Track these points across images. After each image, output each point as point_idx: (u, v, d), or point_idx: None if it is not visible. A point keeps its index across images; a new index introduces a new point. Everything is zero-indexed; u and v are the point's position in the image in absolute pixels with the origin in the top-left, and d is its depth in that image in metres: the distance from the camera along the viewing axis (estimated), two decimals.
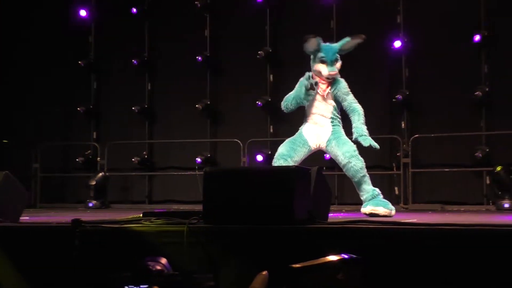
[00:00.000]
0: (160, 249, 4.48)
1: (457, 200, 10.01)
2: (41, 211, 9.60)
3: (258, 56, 11.01)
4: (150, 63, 11.94)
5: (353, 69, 10.68)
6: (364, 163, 6.58)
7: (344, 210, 9.50)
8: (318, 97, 6.70)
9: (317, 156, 10.39)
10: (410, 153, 10.14)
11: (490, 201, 9.81)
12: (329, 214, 5.44)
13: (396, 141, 10.31)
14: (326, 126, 6.70)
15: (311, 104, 6.74)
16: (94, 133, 12.22)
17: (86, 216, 6.34)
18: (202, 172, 4.96)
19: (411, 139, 10.15)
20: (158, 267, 3.83)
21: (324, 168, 9.94)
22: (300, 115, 10.96)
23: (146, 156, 11.76)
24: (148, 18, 11.97)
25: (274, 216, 4.56)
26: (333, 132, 6.67)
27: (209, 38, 11.54)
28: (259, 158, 10.74)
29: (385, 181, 10.59)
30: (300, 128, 6.85)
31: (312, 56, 6.72)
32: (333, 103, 6.71)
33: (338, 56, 6.73)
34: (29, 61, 12.24)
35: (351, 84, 10.68)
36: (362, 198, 6.64)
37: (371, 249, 4.12)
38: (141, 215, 5.35)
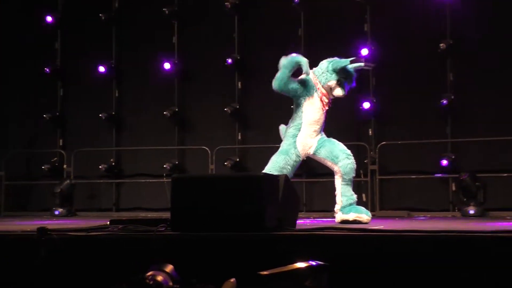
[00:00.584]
0: (127, 257, 4.44)
1: (423, 207, 10.10)
2: (5, 219, 9.46)
3: (226, 63, 11.01)
4: (117, 69, 11.86)
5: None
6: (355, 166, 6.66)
7: (312, 217, 9.53)
8: (321, 109, 6.63)
9: None
10: (377, 160, 10.21)
11: (456, 208, 9.92)
12: (298, 221, 5.45)
13: (363, 148, 10.38)
14: (316, 138, 6.67)
15: (311, 114, 6.61)
16: (61, 140, 12.09)
17: (52, 224, 6.27)
18: (170, 180, 4.94)
19: (378, 146, 10.23)
20: (159, 278, 3.61)
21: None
22: (267, 123, 11.00)
23: (113, 164, 11.67)
24: (116, 24, 11.89)
25: (243, 223, 4.56)
26: (319, 139, 6.66)
27: (177, 45, 11.51)
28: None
29: (353, 188, 10.62)
30: (289, 135, 6.70)
31: (332, 69, 6.60)
32: (325, 118, 6.71)
33: None
34: None
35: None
36: (341, 201, 6.60)
37: (339, 256, 4.13)
38: (108, 223, 5.32)
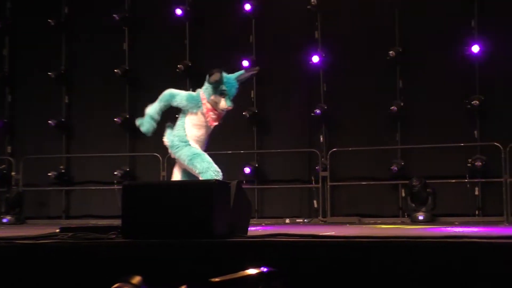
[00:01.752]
0: (77, 266, 4.38)
1: (374, 213, 10.21)
2: None
3: (177, 70, 10.98)
4: (67, 75, 11.71)
5: (272, 84, 10.86)
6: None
7: (264, 223, 9.55)
8: (205, 124, 6.72)
9: (235, 169, 10.47)
10: (328, 166, 10.28)
11: (406, 214, 10.05)
12: (249, 228, 5.46)
13: (314, 155, 10.45)
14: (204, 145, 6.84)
15: (196, 130, 6.74)
16: (9, 147, 11.88)
17: (0, 232, 6.15)
18: (121, 187, 4.90)
19: (329, 153, 10.30)
20: None
21: (244, 181, 10.02)
22: (222, 131, 11.00)
23: (63, 171, 11.51)
24: (65, 30, 11.74)
25: (193, 230, 4.54)
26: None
27: (128, 51, 11.43)
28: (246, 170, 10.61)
29: (304, 195, 10.71)
30: (181, 145, 6.77)
31: (211, 86, 6.66)
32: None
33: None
34: None
35: (270, 98, 10.87)
36: None
37: (291, 262, 4.15)
38: (57, 230, 5.24)
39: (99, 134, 11.44)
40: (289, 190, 10.78)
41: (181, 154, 6.71)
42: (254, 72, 7.10)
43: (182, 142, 6.71)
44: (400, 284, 4.02)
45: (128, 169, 11.18)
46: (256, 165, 10.76)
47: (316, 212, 10.40)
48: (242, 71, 6.91)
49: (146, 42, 11.45)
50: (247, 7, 10.82)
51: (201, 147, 6.75)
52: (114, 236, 4.67)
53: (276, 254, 4.24)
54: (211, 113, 6.65)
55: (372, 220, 9.89)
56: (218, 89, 6.62)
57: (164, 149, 10.76)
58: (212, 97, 6.63)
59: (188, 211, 4.59)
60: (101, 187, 11.18)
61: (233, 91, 6.72)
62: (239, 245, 4.44)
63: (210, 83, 6.61)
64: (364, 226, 8.58)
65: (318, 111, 10.44)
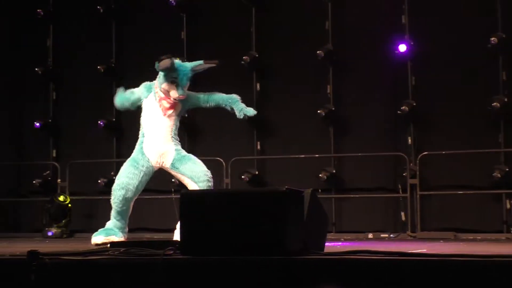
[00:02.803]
0: (130, 285, 4.46)
1: (472, 228, 10.04)
2: None
3: (243, 62, 11.04)
4: (116, 69, 11.90)
5: (352, 78, 10.81)
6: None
7: (343, 239, 9.51)
8: (159, 113, 7.26)
9: (309, 176, 10.47)
10: (418, 173, 10.17)
11: (511, 229, 9.86)
12: (326, 244, 5.44)
13: (401, 159, 10.34)
14: (168, 145, 7.25)
15: (149, 119, 7.30)
16: (54, 151, 12.17)
17: (45, 247, 6.30)
18: (178, 196, 4.95)
19: (419, 157, 10.19)
20: None
21: (320, 190, 10.00)
22: (290, 130, 11.00)
23: (114, 177, 11.70)
24: (115, 19, 11.97)
25: (262, 246, 4.55)
26: (177, 151, 7.26)
27: (186, 41, 11.59)
28: None
29: (390, 205, 10.62)
30: (137, 144, 7.37)
31: (163, 73, 7.21)
32: (174, 124, 7.32)
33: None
34: None
35: (349, 94, 10.81)
36: None
37: (374, 283, 4.12)
38: (108, 245, 5.34)
39: None
40: (372, 200, 10.71)
41: None
42: (213, 64, 7.52)
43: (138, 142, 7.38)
44: None
45: None
46: (333, 171, 10.72)
47: (404, 225, 10.29)
48: (200, 62, 7.47)
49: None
50: None
51: (168, 136, 7.23)
52: (171, 252, 4.72)
53: (357, 274, 4.22)
54: (163, 101, 7.22)
55: (470, 235, 9.73)
56: (168, 77, 7.16)
57: (227, 153, 10.96)
58: (164, 85, 7.18)
59: (255, 224, 4.61)
60: (156, 196, 11.31)
61: (184, 80, 7.25)
62: (314, 263, 4.44)
63: (159, 70, 7.16)
64: (460, 242, 8.46)
65: (405, 109, 10.34)
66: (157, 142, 7.24)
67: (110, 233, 7.17)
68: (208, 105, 7.44)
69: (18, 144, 12.37)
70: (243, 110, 7.30)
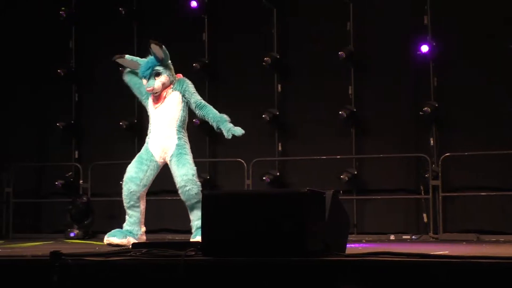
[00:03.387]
0: (151, 286, 4.47)
1: (495, 229, 9.98)
2: (14, 242, 9.59)
3: (264, 63, 11.04)
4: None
5: (373, 79, 10.78)
6: (200, 189, 7.18)
7: (364, 240, 9.49)
8: (153, 109, 7.33)
9: (331, 177, 10.45)
10: (440, 174, 10.13)
11: None
12: (347, 245, 5.43)
13: (423, 160, 10.30)
14: (170, 139, 7.25)
15: (152, 115, 7.36)
16: (76, 152, 12.23)
17: (67, 248, 6.34)
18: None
19: (441, 158, 10.15)
20: None
21: (341, 191, 9.98)
22: (311, 131, 10.98)
23: None
24: (138, 20, 12.01)
25: (283, 247, 4.56)
26: (178, 146, 7.24)
27: (207, 43, 11.60)
28: None
29: (412, 207, 10.58)
30: (146, 138, 7.41)
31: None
32: (178, 117, 7.26)
33: (159, 68, 7.24)
34: None
35: (371, 94, 10.78)
36: (192, 224, 7.34)
37: (396, 285, 4.11)
38: (130, 246, 5.36)
39: None
40: (394, 201, 10.67)
41: None
42: (153, 45, 7.37)
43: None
44: None
45: (208, 177, 11.32)
46: (355, 172, 10.70)
47: (426, 227, 10.26)
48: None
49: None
50: None
51: (162, 134, 7.25)
52: (193, 253, 4.74)
53: (379, 275, 4.21)
54: (151, 96, 7.35)
55: (493, 237, 9.68)
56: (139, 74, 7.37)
57: (248, 155, 10.97)
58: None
59: (276, 225, 4.61)
60: (177, 198, 11.33)
61: (143, 71, 7.28)
62: (335, 264, 4.43)
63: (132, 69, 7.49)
64: (483, 244, 8.41)
65: (427, 110, 10.30)
66: (160, 137, 7.27)
67: (123, 234, 7.20)
68: (196, 112, 7.34)
69: (41, 145, 12.45)
70: (230, 130, 7.20)
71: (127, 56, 7.58)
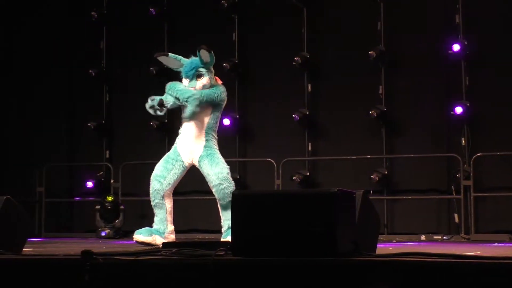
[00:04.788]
0: (181, 285, 4.49)
1: None
2: (46, 241, 9.68)
3: (294, 63, 11.02)
4: (169, 69, 11.97)
5: (404, 78, 10.73)
6: (234, 187, 7.31)
7: (395, 240, 9.46)
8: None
9: (361, 177, 10.42)
10: (472, 174, 10.06)
11: None
12: (378, 245, 5.41)
13: (455, 160, 10.24)
14: (198, 141, 7.34)
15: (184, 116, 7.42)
16: (107, 152, 12.31)
17: (98, 247, 6.39)
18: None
19: (473, 158, 10.07)
20: None
21: (371, 191, 9.96)
22: (341, 131, 10.96)
23: None
24: (167, 19, 12.06)
25: (313, 248, 4.55)
26: (206, 148, 7.30)
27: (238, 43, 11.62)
28: None
29: (443, 207, 10.52)
30: (177, 139, 7.52)
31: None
32: (208, 118, 7.38)
33: (202, 70, 7.37)
34: (31, 68, 12.37)
35: (402, 94, 10.73)
36: (223, 223, 7.37)
37: (427, 286, 4.09)
38: (160, 246, 5.38)
39: None
40: (425, 201, 10.62)
41: None
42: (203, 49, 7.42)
43: None
44: None
45: (238, 177, 11.33)
46: (385, 172, 10.66)
47: (458, 227, 10.19)
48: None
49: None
50: None
51: (190, 136, 7.37)
52: (223, 253, 4.75)
53: (409, 276, 4.19)
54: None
55: None
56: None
57: (278, 155, 10.97)
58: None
59: (306, 225, 4.61)
60: (207, 198, 11.37)
61: (187, 71, 7.49)
62: (365, 264, 4.42)
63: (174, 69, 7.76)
64: None
65: (459, 109, 10.23)
66: (189, 139, 7.36)
67: (149, 232, 7.30)
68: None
69: (72, 145, 12.54)
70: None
71: (170, 54, 7.68)
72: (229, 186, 7.21)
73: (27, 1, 12.44)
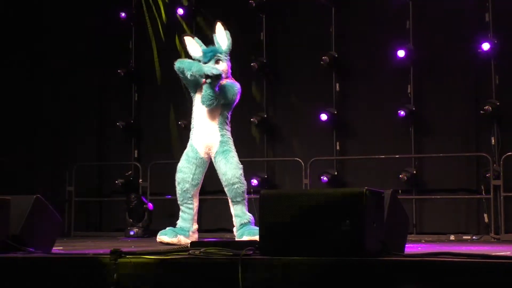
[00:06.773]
0: (210, 284, 4.50)
1: None
2: (76, 240, 9.75)
3: (322, 62, 11.00)
4: None
5: (433, 77, 10.67)
6: (246, 187, 7.54)
7: (423, 240, 9.41)
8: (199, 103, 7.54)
9: (390, 177, 10.38)
10: (501, 174, 9.98)
11: None
12: (406, 245, 5.39)
13: (484, 160, 10.16)
14: (213, 135, 7.41)
15: (196, 111, 7.54)
16: (135, 151, 12.37)
17: (127, 246, 6.42)
18: (258, 196, 4.98)
19: (503, 157, 9.99)
20: None
21: (400, 191, 9.91)
22: (369, 130, 10.91)
23: None
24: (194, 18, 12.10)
25: (342, 247, 4.54)
26: (222, 144, 7.37)
27: (265, 42, 11.63)
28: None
29: (472, 207, 10.44)
30: (190, 134, 7.61)
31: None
32: (220, 111, 7.43)
33: (221, 55, 7.51)
34: (61, 68, 12.45)
35: (431, 93, 10.67)
36: (235, 221, 7.48)
37: (456, 286, 4.06)
38: (188, 245, 5.40)
39: (235, 137, 11.63)
40: (454, 201, 10.55)
41: None
42: (219, 27, 7.78)
43: None
44: None
45: (265, 176, 11.34)
46: (414, 172, 10.60)
47: (487, 227, 10.11)
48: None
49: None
50: None
51: (205, 130, 7.46)
52: (251, 253, 4.75)
53: (438, 277, 4.17)
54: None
55: None
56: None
57: (306, 154, 10.96)
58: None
59: (334, 225, 4.60)
60: None
61: (206, 56, 7.68)
62: (394, 264, 4.40)
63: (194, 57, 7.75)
64: None
65: (488, 108, 10.15)
66: (203, 133, 7.46)
67: (174, 233, 7.36)
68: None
69: (102, 144, 12.63)
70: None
71: (196, 38, 7.77)
72: (242, 186, 7.38)
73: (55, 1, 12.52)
